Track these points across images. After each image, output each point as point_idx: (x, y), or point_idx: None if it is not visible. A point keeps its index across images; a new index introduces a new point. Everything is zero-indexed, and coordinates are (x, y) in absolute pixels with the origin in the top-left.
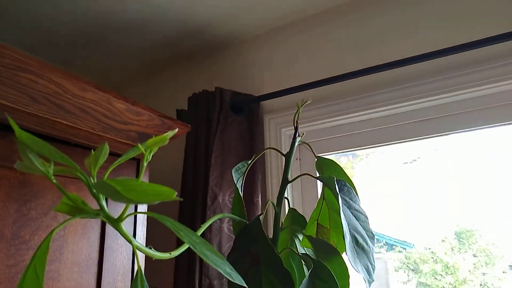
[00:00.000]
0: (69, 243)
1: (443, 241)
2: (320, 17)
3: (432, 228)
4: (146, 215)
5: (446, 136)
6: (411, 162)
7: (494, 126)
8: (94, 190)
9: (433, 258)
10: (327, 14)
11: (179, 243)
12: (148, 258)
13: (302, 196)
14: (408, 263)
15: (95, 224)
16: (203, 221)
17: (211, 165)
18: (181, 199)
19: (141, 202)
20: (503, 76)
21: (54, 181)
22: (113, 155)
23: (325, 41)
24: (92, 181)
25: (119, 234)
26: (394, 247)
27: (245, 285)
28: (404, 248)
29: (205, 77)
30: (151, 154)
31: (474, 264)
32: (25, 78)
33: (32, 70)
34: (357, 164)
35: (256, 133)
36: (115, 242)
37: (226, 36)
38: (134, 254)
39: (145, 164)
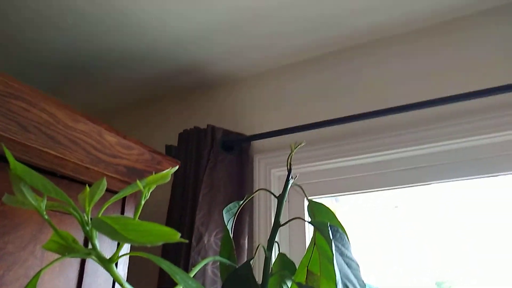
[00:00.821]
0: (45, 281)
1: None
2: (313, 62)
3: (413, 277)
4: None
5: (429, 185)
6: (393, 209)
7: (476, 178)
8: (88, 228)
9: None
10: (320, 60)
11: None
12: None
13: (289, 240)
14: None
15: (74, 261)
16: (187, 262)
17: (198, 203)
18: (186, 241)
19: (143, 243)
20: (487, 129)
21: (46, 217)
22: None
23: (317, 86)
24: (86, 218)
25: (98, 272)
26: None
27: None
28: None
29: (197, 114)
30: (150, 192)
31: None
32: (16, 106)
33: (25, 98)
34: (339, 209)
35: (245, 173)
36: (94, 281)
37: (219, 75)
38: (114, 281)
39: (142, 202)
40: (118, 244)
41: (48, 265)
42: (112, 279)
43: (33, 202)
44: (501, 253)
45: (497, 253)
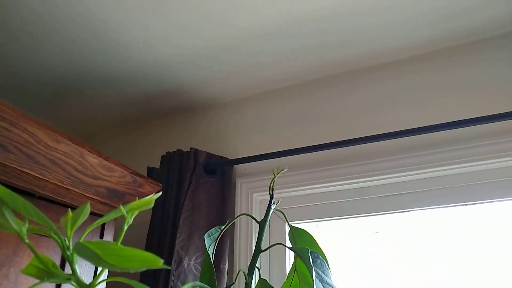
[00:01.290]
0: None
1: None
2: (294, 89)
3: None
4: (105, 282)
5: (409, 212)
6: (372, 235)
7: (455, 206)
8: (69, 253)
9: None
10: (300, 87)
11: None
12: None
13: (270, 265)
14: None
15: (50, 285)
16: (166, 286)
17: (179, 226)
18: (169, 267)
19: (125, 269)
20: (466, 158)
21: (27, 241)
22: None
23: (298, 112)
24: (67, 242)
25: None
26: None
27: None
28: None
29: (180, 137)
30: (133, 217)
31: None
32: None
33: (6, 118)
34: (320, 234)
35: (227, 197)
36: None
37: (203, 98)
38: None
39: (125, 228)
40: (96, 269)
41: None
42: None
43: (14, 226)
44: (482, 279)
45: (478, 279)
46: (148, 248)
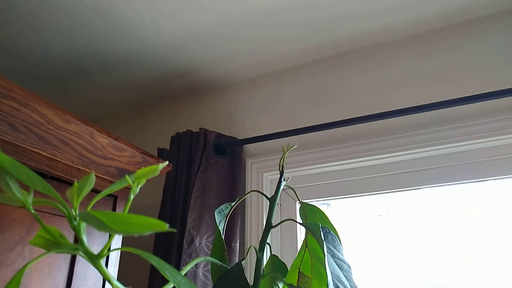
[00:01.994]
0: (34, 283)
1: None
2: (305, 68)
3: (402, 283)
4: (119, 255)
5: (420, 190)
6: (382, 216)
7: (467, 182)
8: (75, 223)
9: None
10: (312, 66)
11: (152, 276)
12: None
13: (281, 243)
14: None
15: (63, 263)
16: (178, 265)
17: (190, 206)
18: (175, 230)
19: (130, 233)
20: (478, 134)
21: (33, 211)
22: (92, 191)
23: (309, 91)
24: (74, 212)
25: (88, 275)
26: None
27: None
28: None
29: (189, 118)
30: (139, 187)
31: None
32: (6, 105)
33: (15, 98)
34: (331, 214)
35: (237, 176)
36: (83, 284)
37: (212, 78)
38: (104, 282)
39: (131, 197)
40: (108, 241)
41: (34, 259)
42: (102, 281)
43: (19, 196)
44: (492, 258)
45: (488, 259)
46: None
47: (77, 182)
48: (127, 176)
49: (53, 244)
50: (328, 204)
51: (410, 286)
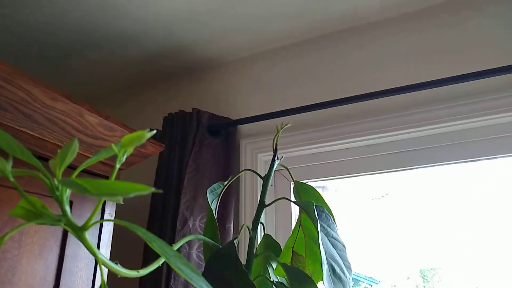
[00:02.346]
0: (23, 264)
1: (408, 278)
2: (301, 46)
3: (398, 265)
4: (112, 230)
5: (417, 171)
6: (379, 198)
7: (470, 161)
8: (58, 193)
9: None
10: (306, 44)
11: (146, 262)
12: (110, 279)
13: (275, 223)
14: None
15: (54, 244)
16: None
17: (183, 187)
18: (161, 191)
19: (112, 197)
20: (483, 112)
21: (12, 179)
22: (82, 171)
23: (304, 70)
24: (56, 182)
25: (79, 256)
26: (360, 283)
27: None
28: (370, 284)
29: (182, 98)
30: (125, 156)
31: None
32: None
33: (0, 75)
34: (326, 197)
35: (231, 157)
36: (75, 265)
37: (205, 58)
38: (95, 274)
39: (117, 167)
40: (101, 229)
41: (13, 230)
42: (94, 262)
43: None
44: (487, 239)
45: (484, 239)
46: (152, 209)
47: (69, 168)
48: (113, 145)
49: (34, 215)
50: (324, 187)
51: (406, 267)
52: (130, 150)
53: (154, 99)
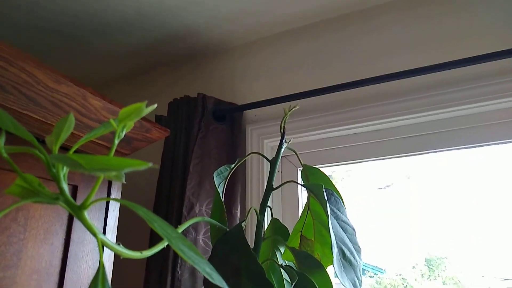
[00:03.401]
0: (29, 248)
1: (413, 267)
2: (308, 30)
3: (403, 254)
4: (117, 215)
5: (426, 156)
6: (385, 188)
7: (481, 146)
8: (54, 170)
9: (403, 284)
10: (315, 28)
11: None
12: (117, 265)
13: (282, 207)
14: None
15: (60, 229)
16: None
17: (189, 173)
18: (156, 166)
19: (107, 172)
20: (490, 96)
21: (5, 155)
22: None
23: (311, 54)
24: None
25: (85, 241)
26: (365, 271)
27: (226, 287)
28: (375, 273)
29: (187, 83)
30: (125, 131)
31: None
32: None
33: (2, 56)
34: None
35: (237, 143)
36: (81, 250)
37: (210, 42)
38: (100, 255)
39: (116, 142)
40: (107, 213)
41: (7, 208)
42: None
43: None
44: (495, 228)
45: (492, 228)
46: (158, 195)
47: (75, 153)
48: (111, 120)
49: (30, 193)
50: (330, 176)
51: (412, 256)
52: (130, 125)
53: (159, 85)
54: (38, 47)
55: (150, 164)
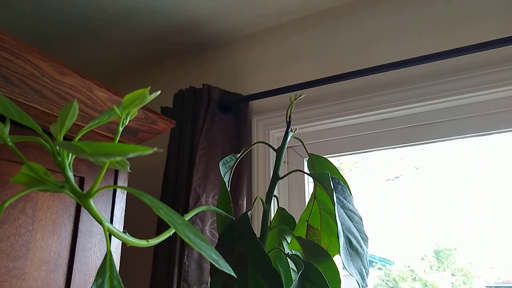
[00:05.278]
0: (38, 239)
1: (422, 259)
2: (314, 18)
3: (412, 245)
4: (124, 207)
5: (433, 146)
6: (393, 179)
7: (491, 134)
8: (59, 158)
9: (412, 276)
10: (321, 16)
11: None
12: (124, 257)
13: (288, 197)
14: (387, 280)
15: (67, 220)
16: None
17: (195, 164)
18: (161, 150)
19: (110, 157)
20: (500, 82)
21: (11, 143)
22: None
23: (317, 43)
24: (58, 148)
25: (93, 232)
26: (374, 263)
27: (233, 274)
28: (384, 265)
29: (193, 75)
30: (129, 118)
31: (452, 283)
32: None
33: (7, 48)
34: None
35: (243, 134)
36: (88, 241)
37: (215, 34)
38: (106, 242)
39: (120, 129)
40: (97, 178)
41: (13, 197)
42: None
43: None
44: (505, 219)
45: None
46: (165, 186)
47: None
48: (115, 107)
49: (36, 181)
50: (339, 169)
51: (420, 248)
52: (134, 112)
53: (164, 76)
54: (44, 38)
55: (155, 149)
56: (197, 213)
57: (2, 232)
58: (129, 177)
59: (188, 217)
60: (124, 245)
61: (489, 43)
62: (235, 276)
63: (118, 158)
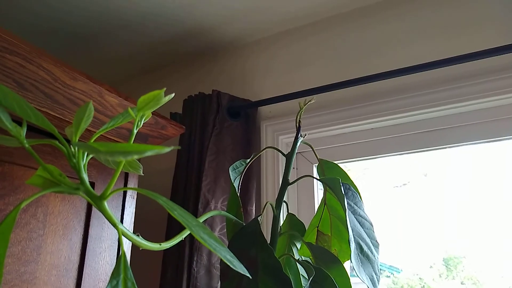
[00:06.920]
0: (48, 244)
1: (431, 267)
2: (322, 24)
3: (420, 253)
4: (133, 212)
5: (439, 156)
6: (401, 186)
7: (501, 140)
8: (75, 160)
9: (420, 284)
10: (329, 22)
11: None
12: (133, 261)
13: (298, 203)
14: None
15: (78, 225)
16: None
17: (204, 169)
18: (179, 147)
19: (126, 155)
20: (507, 89)
21: (27, 145)
22: None
23: (326, 49)
24: (73, 150)
25: (103, 237)
26: (382, 271)
27: (248, 275)
28: (392, 273)
29: (202, 80)
30: (143, 120)
31: None
32: (11, 61)
33: (21, 53)
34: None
35: (252, 139)
36: (98, 246)
37: (224, 39)
38: (118, 255)
39: (135, 131)
40: (111, 180)
41: (29, 198)
42: (117, 243)
43: (8, 125)
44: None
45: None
46: (174, 192)
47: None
48: (129, 109)
49: (51, 183)
50: (348, 170)
51: (429, 256)
52: (148, 114)
53: (173, 82)
54: (57, 46)
55: (172, 147)
56: (206, 219)
57: (14, 236)
58: (138, 183)
59: (202, 219)
60: (132, 251)
61: (503, 48)
62: (250, 277)
63: (136, 156)
